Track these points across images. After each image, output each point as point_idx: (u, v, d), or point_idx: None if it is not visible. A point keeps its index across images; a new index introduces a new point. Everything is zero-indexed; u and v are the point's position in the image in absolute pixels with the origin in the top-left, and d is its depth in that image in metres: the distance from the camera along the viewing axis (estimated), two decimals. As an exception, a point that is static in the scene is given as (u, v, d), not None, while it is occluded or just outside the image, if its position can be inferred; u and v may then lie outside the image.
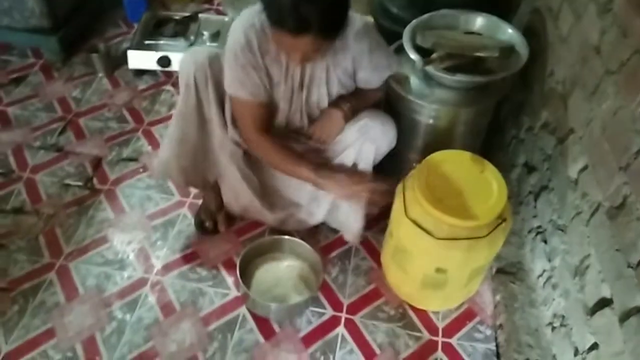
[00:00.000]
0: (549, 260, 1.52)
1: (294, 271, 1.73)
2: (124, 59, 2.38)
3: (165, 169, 1.69)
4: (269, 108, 1.54)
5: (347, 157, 1.61)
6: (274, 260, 1.74)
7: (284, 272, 1.73)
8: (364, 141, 1.55)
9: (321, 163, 1.59)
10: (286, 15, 1.25)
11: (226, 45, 1.47)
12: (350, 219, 1.71)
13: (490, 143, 1.98)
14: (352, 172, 1.59)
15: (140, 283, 1.70)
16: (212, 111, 1.55)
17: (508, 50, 1.63)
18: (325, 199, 1.70)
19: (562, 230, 1.45)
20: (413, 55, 1.56)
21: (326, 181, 1.54)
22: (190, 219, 1.88)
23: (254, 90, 1.47)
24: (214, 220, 1.85)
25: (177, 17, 2.48)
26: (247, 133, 1.55)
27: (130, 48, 2.35)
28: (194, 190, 1.96)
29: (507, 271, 1.70)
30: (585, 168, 1.35)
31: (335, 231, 1.85)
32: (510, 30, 1.68)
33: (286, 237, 1.75)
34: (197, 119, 1.56)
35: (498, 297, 1.66)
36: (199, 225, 1.86)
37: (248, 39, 1.41)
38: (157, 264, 1.75)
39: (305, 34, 1.28)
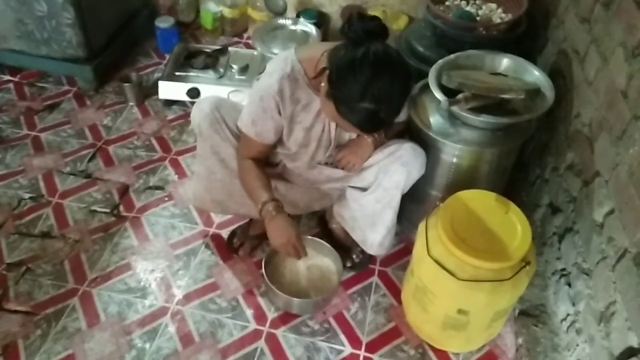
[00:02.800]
0: (573, 305, 1.50)
1: (314, 270, 1.78)
2: (154, 89, 2.45)
3: (201, 204, 1.79)
4: (269, 150, 1.60)
5: (368, 176, 1.63)
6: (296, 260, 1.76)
7: (305, 272, 1.76)
8: (393, 162, 1.56)
9: (278, 202, 1.56)
10: (363, 119, 1.32)
11: (259, 82, 1.52)
12: (368, 231, 1.71)
13: (514, 182, 1.97)
14: (290, 225, 1.55)
15: (161, 312, 1.71)
16: (228, 152, 1.61)
17: (534, 92, 1.63)
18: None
19: (587, 275, 1.43)
20: (438, 95, 1.57)
21: (268, 219, 1.52)
22: (213, 249, 1.90)
23: (262, 134, 1.52)
24: (241, 243, 1.89)
25: (207, 50, 2.54)
26: (238, 155, 1.61)
27: (161, 79, 2.41)
28: (218, 220, 1.98)
29: (530, 314, 1.67)
30: (611, 212, 1.34)
31: (354, 267, 1.85)
32: (536, 72, 1.69)
33: (309, 237, 1.81)
34: (217, 159, 1.63)
35: (520, 340, 1.63)
36: (229, 238, 1.92)
37: (281, 87, 1.45)
38: (178, 294, 1.76)
39: (375, 130, 1.42)
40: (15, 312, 1.69)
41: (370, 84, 1.27)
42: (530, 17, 2.04)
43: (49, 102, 2.49)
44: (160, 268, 1.83)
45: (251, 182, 1.57)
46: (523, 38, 1.99)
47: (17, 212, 1.99)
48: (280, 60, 1.49)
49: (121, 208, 2.03)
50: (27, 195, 2.05)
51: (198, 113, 1.60)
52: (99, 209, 2.02)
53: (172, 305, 1.73)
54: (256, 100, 1.49)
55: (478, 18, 2.02)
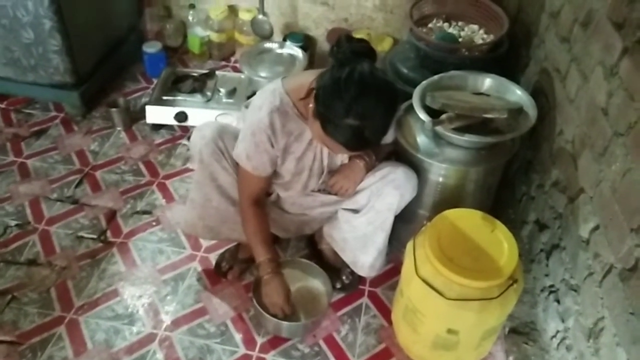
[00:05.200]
0: (563, 321, 1.50)
1: (303, 292, 1.77)
2: (142, 114, 2.45)
3: (192, 230, 1.78)
4: (268, 182, 1.61)
5: (361, 198, 1.63)
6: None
7: (294, 294, 1.74)
8: (386, 185, 1.57)
9: (276, 262, 1.64)
10: (348, 137, 1.34)
11: (249, 117, 1.53)
12: (359, 252, 1.71)
13: (501, 200, 1.98)
14: (282, 294, 1.63)
15: (149, 339, 1.69)
16: (227, 180, 1.62)
17: (517, 111, 1.65)
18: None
19: (575, 291, 1.43)
20: (423, 116, 1.59)
21: (265, 278, 1.61)
22: (201, 273, 1.89)
23: (259, 167, 1.53)
24: (230, 267, 1.88)
25: (194, 74, 2.55)
26: (240, 196, 1.62)
27: (148, 103, 2.41)
28: (206, 244, 1.97)
29: (520, 331, 1.66)
30: (596, 228, 1.35)
31: (344, 288, 1.84)
32: (518, 91, 1.71)
33: (298, 259, 1.83)
34: (214, 186, 1.63)
35: (511, 359, 1.62)
36: (218, 262, 1.90)
37: (272, 121, 1.47)
38: (167, 319, 1.74)
39: (362, 149, 1.42)
40: (0, 342, 1.66)
41: (355, 101, 1.29)
42: (512, 38, 2.08)
43: (35, 129, 2.48)
44: (148, 294, 1.82)
45: (252, 236, 1.62)
46: (505, 58, 2.02)
47: (2, 240, 1.96)
48: (268, 94, 1.50)
49: (108, 234, 2.01)
50: (13, 223, 2.03)
51: (200, 140, 1.59)
52: (86, 235, 2.00)
53: (160, 331, 1.71)
54: (248, 136, 1.50)
55: (460, 39, 2.05)
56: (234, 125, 1.72)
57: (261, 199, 1.63)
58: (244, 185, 1.60)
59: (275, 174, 1.61)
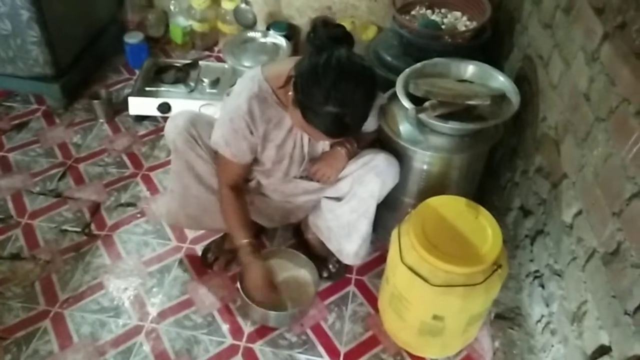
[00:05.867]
0: (547, 306, 1.51)
1: (290, 281, 1.76)
2: (125, 105, 2.42)
3: (174, 220, 1.79)
4: (247, 169, 1.60)
5: (343, 186, 1.63)
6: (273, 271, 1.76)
7: (281, 284, 1.74)
8: (368, 172, 1.57)
9: (255, 246, 1.62)
10: (329, 124, 1.33)
11: (227, 104, 1.52)
12: (344, 241, 1.71)
13: (485, 186, 1.99)
14: (265, 282, 1.62)
15: (135, 331, 1.68)
16: (203, 168, 1.61)
17: (500, 98, 1.66)
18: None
19: (559, 275, 1.45)
20: (406, 104, 1.59)
21: (245, 261, 1.61)
22: (187, 264, 1.88)
23: (237, 154, 1.52)
24: (216, 257, 1.87)
25: (177, 64, 2.53)
26: (219, 182, 1.61)
27: (131, 94, 2.38)
28: (191, 236, 1.96)
29: (506, 316, 1.68)
30: (579, 213, 1.36)
31: (331, 277, 1.85)
32: (501, 78, 1.71)
33: (284, 248, 1.82)
34: (192, 175, 1.62)
35: (497, 344, 1.64)
36: (204, 253, 1.90)
37: (250, 108, 1.46)
38: (153, 311, 1.74)
39: (342, 136, 1.41)
40: (-16, 337, 1.65)
41: (334, 88, 1.28)
42: (495, 25, 2.08)
43: (16, 122, 2.44)
44: (133, 286, 1.80)
45: (230, 219, 1.61)
46: (488, 45, 2.02)
47: (-16, 235, 1.94)
48: (247, 80, 1.49)
49: (92, 226, 1.99)
50: (-5, 217, 2.01)
51: (173, 129, 1.58)
52: (69, 229, 1.98)
53: (146, 323, 1.70)
54: (226, 122, 1.49)
55: (443, 26, 2.05)
56: (217, 116, 1.71)
57: (240, 186, 1.62)
58: (223, 171, 1.59)
59: (256, 161, 1.60)
